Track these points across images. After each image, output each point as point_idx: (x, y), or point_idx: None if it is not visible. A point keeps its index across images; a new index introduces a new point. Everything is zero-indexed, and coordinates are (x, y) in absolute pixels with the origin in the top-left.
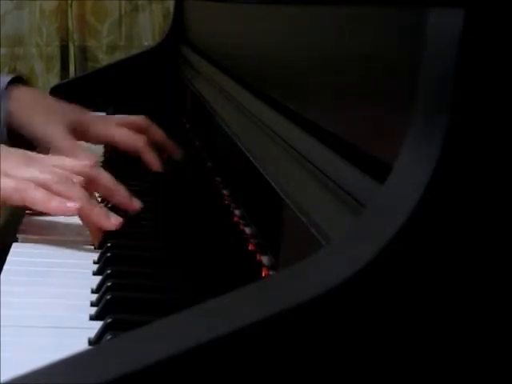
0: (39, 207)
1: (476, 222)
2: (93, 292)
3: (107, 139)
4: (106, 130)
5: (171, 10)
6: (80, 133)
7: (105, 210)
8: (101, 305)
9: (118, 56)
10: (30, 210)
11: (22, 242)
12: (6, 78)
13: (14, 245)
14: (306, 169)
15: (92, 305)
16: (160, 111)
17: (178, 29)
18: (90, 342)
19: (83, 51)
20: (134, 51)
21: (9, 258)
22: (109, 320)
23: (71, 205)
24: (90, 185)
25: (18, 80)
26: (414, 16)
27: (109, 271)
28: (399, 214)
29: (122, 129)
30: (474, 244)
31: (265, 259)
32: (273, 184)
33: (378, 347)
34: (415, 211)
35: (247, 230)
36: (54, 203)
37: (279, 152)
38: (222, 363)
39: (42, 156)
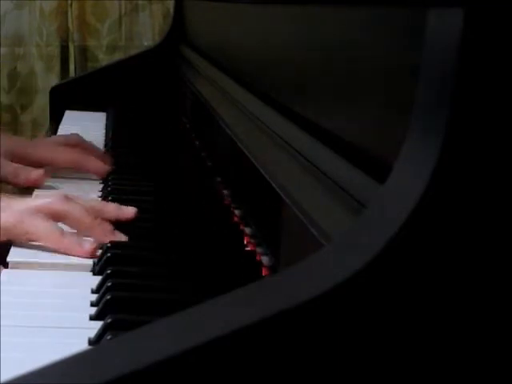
0: (43, 240)
1: (476, 222)
2: (93, 292)
3: (47, 160)
4: (45, 152)
5: (171, 10)
6: (20, 159)
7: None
8: (101, 305)
9: (118, 56)
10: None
11: (22, 242)
12: None
13: (14, 245)
14: (307, 169)
15: (92, 305)
16: (160, 111)
17: (177, 29)
18: (90, 342)
19: (83, 51)
20: (134, 51)
21: (9, 258)
22: (109, 320)
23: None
24: (60, 220)
25: None
26: (413, 16)
27: (109, 271)
28: (399, 213)
29: (58, 148)
30: (474, 244)
31: (265, 259)
32: (273, 184)
33: (379, 347)
34: (415, 211)
35: (247, 230)
36: (71, 243)
37: (279, 152)
38: (221, 363)
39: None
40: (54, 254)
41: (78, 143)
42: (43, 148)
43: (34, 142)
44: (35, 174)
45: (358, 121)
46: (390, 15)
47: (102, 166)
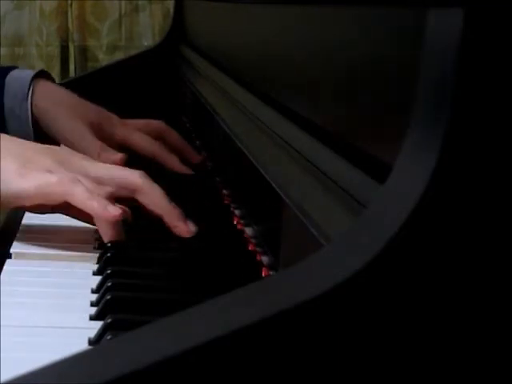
0: (78, 203)
1: (476, 222)
2: (93, 292)
3: (125, 142)
4: (124, 134)
5: (171, 10)
6: (99, 133)
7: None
8: (101, 305)
9: (118, 56)
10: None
11: (22, 242)
12: (30, 73)
13: (14, 245)
14: (306, 169)
15: (92, 305)
16: (160, 111)
17: (177, 29)
18: (90, 342)
19: (83, 51)
20: (134, 51)
21: (12, 249)
22: (109, 320)
23: (112, 210)
24: (137, 197)
25: (42, 74)
26: (413, 16)
27: (109, 271)
28: (399, 213)
29: (139, 133)
30: (475, 244)
31: (265, 259)
32: (273, 184)
33: (379, 347)
34: (415, 211)
35: (247, 230)
36: (95, 203)
37: (279, 152)
38: (221, 364)
39: (90, 161)
40: (54, 255)
41: (161, 132)
42: (125, 129)
43: (121, 121)
44: (116, 157)
45: (358, 121)
46: (390, 15)
47: (182, 169)
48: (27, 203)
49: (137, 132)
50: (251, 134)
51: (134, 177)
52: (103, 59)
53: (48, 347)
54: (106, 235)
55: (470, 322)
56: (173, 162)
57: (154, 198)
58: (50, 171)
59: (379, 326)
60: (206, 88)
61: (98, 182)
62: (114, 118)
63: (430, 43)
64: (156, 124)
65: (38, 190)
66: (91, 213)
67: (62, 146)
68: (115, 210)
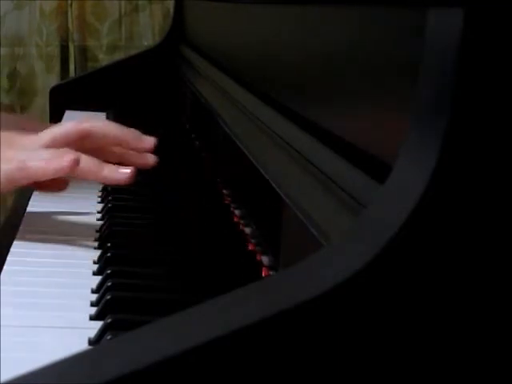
0: (43, 174)
1: (476, 222)
2: (93, 292)
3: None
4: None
5: (171, 10)
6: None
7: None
8: (101, 305)
9: (118, 56)
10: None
11: (22, 242)
12: None
13: (14, 245)
14: (306, 169)
15: (92, 305)
16: (160, 111)
17: (177, 29)
18: (90, 342)
19: (83, 51)
20: (134, 51)
21: (9, 258)
22: (109, 320)
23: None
24: (93, 141)
25: None
26: (413, 16)
27: (109, 271)
28: (399, 213)
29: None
30: (474, 244)
31: (265, 259)
32: (273, 184)
33: (379, 347)
34: (415, 211)
35: (247, 230)
36: (54, 162)
37: (279, 152)
38: (221, 363)
39: (34, 136)
40: (54, 255)
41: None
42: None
43: (39, 124)
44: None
45: (358, 121)
46: (390, 15)
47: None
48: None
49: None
50: (251, 134)
51: (77, 125)
52: (103, 59)
53: (48, 347)
54: (95, 176)
55: (469, 321)
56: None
57: (107, 132)
58: (8, 160)
59: (379, 326)
60: (206, 88)
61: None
62: (36, 123)
63: (430, 43)
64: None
65: (4, 182)
66: (59, 173)
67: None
68: (72, 154)
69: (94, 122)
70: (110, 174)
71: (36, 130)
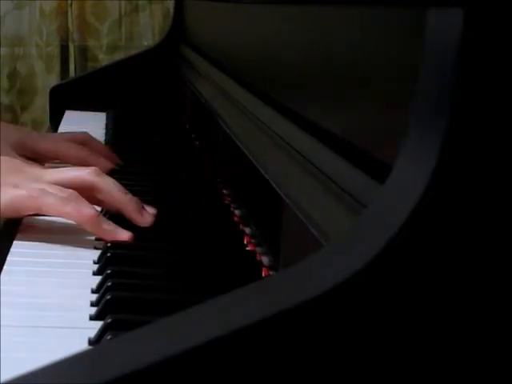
0: (53, 212)
1: (476, 222)
2: (93, 292)
3: (53, 154)
4: (50, 146)
5: (171, 10)
6: (26, 151)
7: (113, 225)
8: (101, 305)
9: (118, 56)
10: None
11: (22, 241)
12: None
13: (14, 245)
14: (306, 169)
15: (92, 305)
16: (160, 111)
17: (177, 29)
18: (90, 342)
19: (83, 51)
20: (134, 51)
21: (9, 258)
22: (109, 320)
23: (86, 210)
24: (92, 193)
25: None
26: (413, 16)
27: (109, 271)
28: (399, 214)
29: (66, 143)
30: (474, 244)
31: (265, 259)
32: (273, 184)
33: (379, 347)
34: (415, 211)
35: (247, 230)
36: (70, 207)
37: (279, 152)
38: (221, 363)
39: (40, 170)
40: (54, 255)
41: (86, 141)
42: (50, 141)
43: (42, 135)
44: None
45: (358, 121)
46: (390, 15)
47: (108, 166)
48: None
49: (64, 142)
50: (251, 133)
51: (86, 175)
52: (103, 59)
53: (48, 347)
54: (100, 234)
55: (469, 321)
56: (102, 165)
57: (109, 193)
58: (16, 186)
59: (379, 326)
60: (206, 88)
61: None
62: (34, 133)
63: (430, 43)
64: (80, 135)
65: (9, 205)
66: (69, 219)
67: (9, 157)
68: (89, 209)
69: (102, 178)
70: (110, 233)
71: (36, 143)
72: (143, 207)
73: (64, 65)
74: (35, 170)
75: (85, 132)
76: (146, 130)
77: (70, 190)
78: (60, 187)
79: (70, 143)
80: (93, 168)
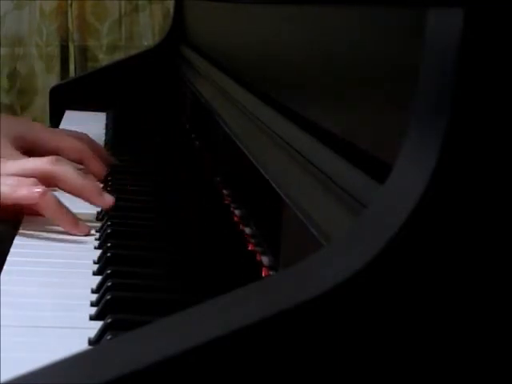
0: (8, 200)
1: (476, 222)
2: (93, 292)
3: (53, 146)
4: (52, 138)
5: (171, 10)
6: (24, 144)
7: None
8: (101, 305)
9: (118, 56)
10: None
11: (22, 242)
12: None
13: (14, 245)
14: (306, 169)
15: (92, 305)
16: (160, 111)
17: (177, 29)
18: (90, 342)
19: (83, 51)
20: (134, 51)
21: (9, 258)
22: (109, 320)
23: (39, 189)
24: (52, 181)
25: None
26: (413, 16)
27: (109, 271)
28: (399, 214)
29: (70, 138)
30: (474, 244)
31: (265, 259)
32: (273, 184)
33: (379, 347)
34: (415, 211)
35: (247, 230)
36: (23, 190)
37: (279, 152)
38: (221, 363)
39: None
40: (54, 255)
41: (85, 141)
42: (52, 134)
43: (44, 128)
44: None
45: (358, 121)
46: (390, 15)
47: (103, 169)
48: None
49: (68, 137)
50: (251, 133)
51: (44, 165)
52: (103, 59)
53: (48, 347)
54: (54, 218)
55: (469, 321)
56: (95, 163)
57: (67, 180)
58: None
59: (379, 326)
60: (206, 88)
61: None
62: (37, 125)
63: (430, 43)
64: (81, 134)
65: None
66: (23, 202)
67: None
68: (43, 190)
69: (61, 166)
70: (68, 223)
71: (37, 136)
72: (103, 192)
73: (64, 65)
74: None
75: (85, 133)
76: (146, 129)
77: (31, 179)
78: (21, 178)
79: (73, 139)
80: (52, 157)
